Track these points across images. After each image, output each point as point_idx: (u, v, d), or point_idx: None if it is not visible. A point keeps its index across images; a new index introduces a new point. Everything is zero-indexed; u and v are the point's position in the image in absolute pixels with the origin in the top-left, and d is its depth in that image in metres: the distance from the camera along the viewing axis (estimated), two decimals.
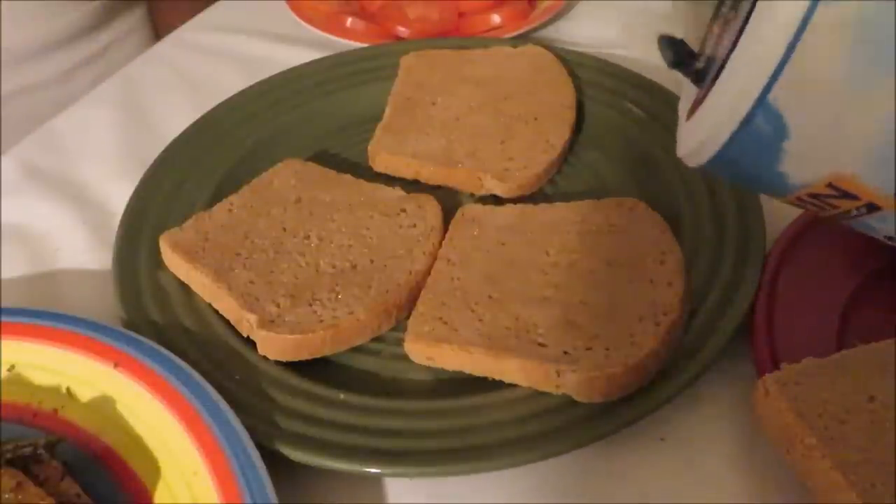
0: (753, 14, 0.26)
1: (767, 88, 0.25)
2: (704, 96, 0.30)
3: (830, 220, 0.32)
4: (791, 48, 0.24)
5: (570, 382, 0.37)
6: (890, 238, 0.31)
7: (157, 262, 0.46)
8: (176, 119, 0.57)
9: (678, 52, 0.31)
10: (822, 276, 0.42)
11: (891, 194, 0.27)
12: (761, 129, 0.26)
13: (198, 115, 0.56)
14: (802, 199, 0.29)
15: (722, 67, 0.28)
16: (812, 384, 0.34)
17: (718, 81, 0.28)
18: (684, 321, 0.40)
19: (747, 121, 0.26)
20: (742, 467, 0.37)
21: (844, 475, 0.31)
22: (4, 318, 0.41)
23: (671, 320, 0.39)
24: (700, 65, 0.30)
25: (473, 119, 0.53)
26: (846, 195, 0.28)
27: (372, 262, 0.44)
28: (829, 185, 0.28)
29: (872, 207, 0.28)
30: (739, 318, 0.40)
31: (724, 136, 0.27)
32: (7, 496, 0.33)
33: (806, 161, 0.27)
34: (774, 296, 0.41)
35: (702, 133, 0.28)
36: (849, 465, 0.32)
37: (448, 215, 0.47)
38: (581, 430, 0.37)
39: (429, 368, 0.41)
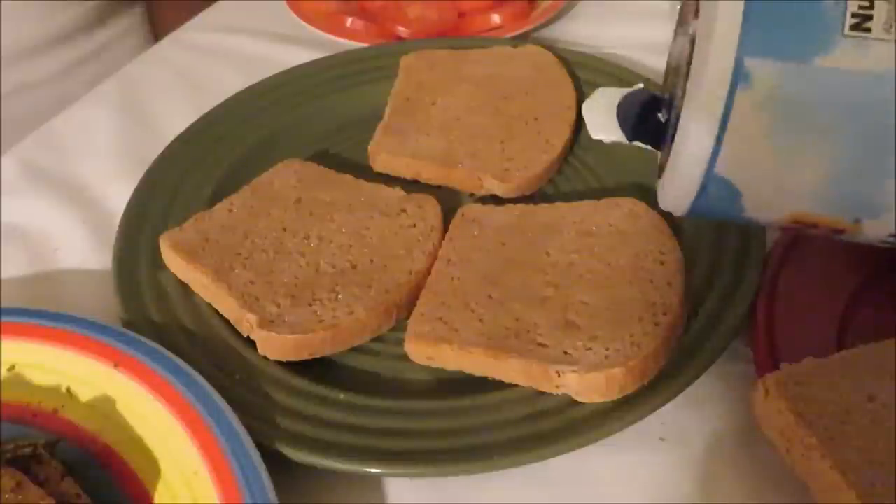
0: (685, 98, 0.30)
1: (711, 166, 0.29)
2: (666, 160, 0.33)
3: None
4: (722, 131, 0.28)
5: (570, 382, 0.37)
6: (884, 242, 0.32)
7: (157, 262, 0.46)
8: (176, 119, 0.57)
9: (642, 108, 0.34)
10: (822, 276, 0.42)
11: (849, 220, 0.31)
12: (716, 193, 0.30)
13: (198, 115, 0.56)
14: (778, 228, 0.33)
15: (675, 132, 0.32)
16: (812, 384, 0.34)
17: (670, 159, 0.31)
18: (684, 321, 0.40)
19: (702, 191, 0.30)
20: (742, 467, 0.37)
21: (844, 475, 0.31)
22: (4, 318, 0.41)
23: (671, 320, 0.39)
24: (664, 116, 0.32)
25: (473, 119, 0.53)
26: (811, 225, 0.31)
27: (372, 262, 0.44)
28: (793, 221, 0.31)
29: (837, 230, 0.31)
30: (739, 318, 0.40)
31: (687, 203, 0.32)
32: (7, 496, 0.33)
33: (764, 208, 0.31)
34: (774, 296, 0.41)
35: (670, 197, 0.32)
36: (849, 465, 0.32)
37: (448, 215, 0.47)
38: (581, 430, 0.37)
39: (429, 368, 0.41)
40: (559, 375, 0.37)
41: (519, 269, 0.43)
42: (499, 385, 0.39)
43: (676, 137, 0.30)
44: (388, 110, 0.55)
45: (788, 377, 0.35)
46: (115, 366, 0.39)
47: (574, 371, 0.37)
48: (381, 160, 0.52)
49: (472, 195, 0.51)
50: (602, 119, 0.36)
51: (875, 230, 0.31)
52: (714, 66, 0.28)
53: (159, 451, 0.36)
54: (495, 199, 0.49)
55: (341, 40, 0.65)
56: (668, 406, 0.38)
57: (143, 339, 0.40)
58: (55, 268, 0.50)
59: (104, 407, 0.38)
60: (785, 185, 0.30)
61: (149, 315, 0.44)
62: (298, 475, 0.38)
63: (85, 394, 0.39)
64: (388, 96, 0.56)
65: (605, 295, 0.41)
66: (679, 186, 0.31)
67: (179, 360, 0.39)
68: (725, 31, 0.27)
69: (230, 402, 0.37)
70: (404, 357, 0.41)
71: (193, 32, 0.72)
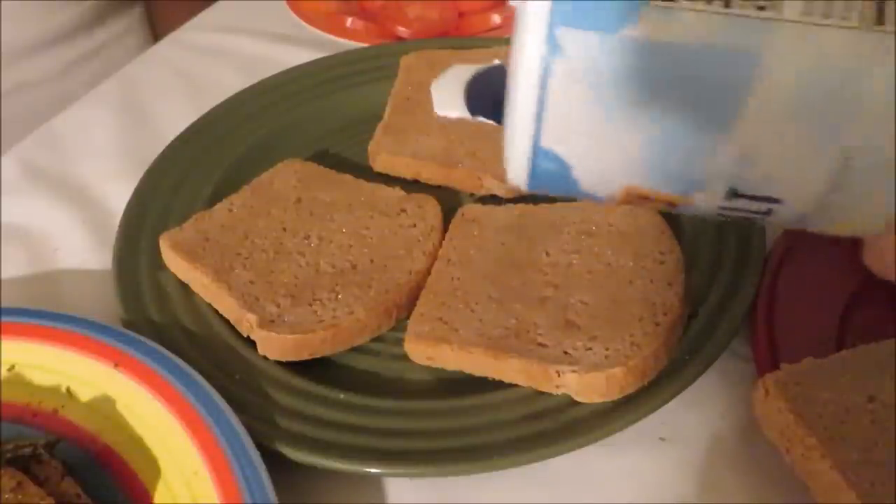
0: (510, 74, 0.29)
1: (537, 139, 0.28)
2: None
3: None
4: (542, 103, 0.27)
5: (570, 382, 0.37)
6: (720, 214, 0.31)
7: (157, 262, 0.46)
8: (176, 119, 0.57)
9: (496, 84, 0.33)
10: (822, 276, 0.42)
11: (679, 194, 0.29)
12: (549, 167, 0.29)
13: (198, 115, 0.56)
14: (621, 202, 0.31)
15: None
16: (812, 384, 0.34)
17: (504, 134, 0.30)
18: (684, 321, 0.40)
19: (533, 165, 0.29)
20: (742, 467, 0.37)
21: (844, 475, 0.31)
22: (4, 318, 0.41)
23: (671, 320, 0.39)
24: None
25: None
26: (645, 198, 0.30)
27: (372, 262, 0.44)
28: (627, 194, 0.30)
29: (670, 204, 0.30)
30: (739, 318, 0.40)
31: (525, 177, 0.30)
32: (7, 496, 0.33)
33: (598, 181, 0.30)
34: (774, 296, 0.41)
35: (510, 172, 0.31)
36: (849, 465, 0.32)
37: (448, 215, 0.47)
38: (581, 430, 0.37)
39: (429, 368, 0.41)
40: (559, 375, 0.37)
41: (519, 269, 0.43)
42: (499, 385, 0.39)
43: (505, 112, 0.29)
44: (388, 110, 0.55)
45: (788, 377, 0.35)
46: (115, 366, 0.39)
47: (574, 371, 0.37)
48: (381, 160, 0.52)
49: (472, 195, 0.51)
50: (449, 96, 0.34)
51: (706, 202, 0.29)
52: (530, 37, 0.26)
53: (159, 451, 0.36)
54: (495, 199, 0.49)
55: (341, 40, 0.65)
56: (668, 406, 0.37)
57: (143, 339, 0.40)
58: (55, 268, 0.50)
59: (104, 407, 0.38)
60: (610, 158, 0.28)
61: (149, 315, 0.44)
62: (298, 475, 0.38)
63: (85, 394, 0.39)
64: (388, 96, 0.56)
65: (605, 295, 0.41)
66: (514, 161, 0.30)
67: (179, 360, 0.39)
68: (538, 2, 0.26)
69: (230, 402, 0.37)
70: (404, 357, 0.41)
71: (193, 32, 0.72)
